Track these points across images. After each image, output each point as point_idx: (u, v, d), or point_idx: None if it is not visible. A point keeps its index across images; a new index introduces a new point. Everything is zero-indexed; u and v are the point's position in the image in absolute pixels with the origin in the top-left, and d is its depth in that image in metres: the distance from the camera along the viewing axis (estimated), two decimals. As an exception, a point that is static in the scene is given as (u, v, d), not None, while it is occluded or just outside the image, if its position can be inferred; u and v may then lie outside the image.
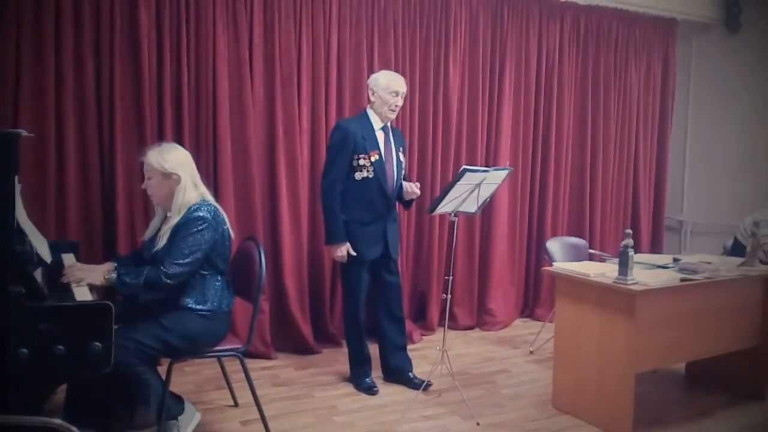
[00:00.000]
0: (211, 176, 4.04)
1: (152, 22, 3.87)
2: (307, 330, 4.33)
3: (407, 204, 3.81)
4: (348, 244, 3.57)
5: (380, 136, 3.63)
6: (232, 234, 2.95)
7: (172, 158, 2.83)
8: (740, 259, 3.73)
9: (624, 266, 3.15)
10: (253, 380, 3.05)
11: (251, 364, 3.72)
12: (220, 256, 2.86)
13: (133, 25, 3.82)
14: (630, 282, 3.12)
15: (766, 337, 3.70)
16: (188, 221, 2.74)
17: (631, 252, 3.15)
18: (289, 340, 4.32)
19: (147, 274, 2.65)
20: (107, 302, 2.27)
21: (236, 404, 3.43)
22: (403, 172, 3.71)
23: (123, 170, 3.82)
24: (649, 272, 3.35)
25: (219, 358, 3.20)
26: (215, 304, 2.84)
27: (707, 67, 6.15)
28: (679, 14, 5.76)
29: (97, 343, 2.21)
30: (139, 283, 2.64)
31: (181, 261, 2.69)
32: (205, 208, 2.79)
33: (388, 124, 3.68)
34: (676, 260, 3.64)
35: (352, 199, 3.58)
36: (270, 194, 4.28)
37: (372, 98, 3.64)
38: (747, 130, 5.85)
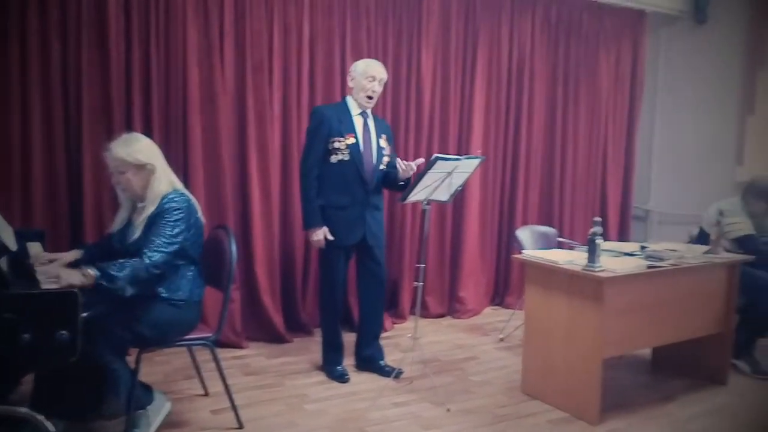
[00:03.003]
0: (181, 164, 3.99)
1: (120, 7, 3.80)
2: (278, 319, 4.32)
3: (401, 186, 3.65)
4: (325, 229, 3.55)
5: (358, 121, 3.61)
6: (204, 221, 2.93)
7: (143, 149, 2.79)
8: (705, 247, 3.81)
9: (592, 254, 3.19)
10: (224, 369, 3.04)
11: (222, 353, 3.70)
12: (193, 245, 2.83)
13: (101, 9, 3.75)
14: (598, 269, 3.17)
15: (729, 323, 3.80)
16: (163, 211, 2.71)
17: (599, 240, 3.19)
18: (260, 329, 4.30)
19: (132, 265, 2.56)
20: (73, 290, 2.24)
21: (206, 393, 3.41)
22: (385, 158, 3.67)
23: (90, 158, 3.75)
24: (616, 260, 3.41)
25: (189, 347, 3.18)
26: (187, 293, 2.81)
27: (675, 59, 6.25)
28: (648, 6, 5.83)
29: (64, 332, 2.17)
30: (124, 276, 2.52)
31: (165, 249, 2.65)
32: (179, 199, 2.76)
33: (368, 112, 3.66)
34: (643, 248, 3.71)
35: (329, 183, 3.56)
36: (241, 182, 4.25)
37: (351, 84, 3.63)
38: (712, 121, 5.96)
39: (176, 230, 2.70)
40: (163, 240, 2.66)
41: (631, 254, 3.58)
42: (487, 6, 5.14)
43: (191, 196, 2.87)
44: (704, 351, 3.83)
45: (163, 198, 2.74)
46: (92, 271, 2.47)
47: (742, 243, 3.96)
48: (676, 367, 3.97)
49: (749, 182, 4.19)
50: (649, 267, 3.35)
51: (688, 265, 3.49)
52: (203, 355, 3.38)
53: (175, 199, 2.75)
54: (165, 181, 2.79)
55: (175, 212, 2.71)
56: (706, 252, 3.72)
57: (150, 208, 2.73)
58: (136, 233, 2.73)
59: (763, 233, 4.16)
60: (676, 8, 5.94)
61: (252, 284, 4.26)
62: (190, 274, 2.84)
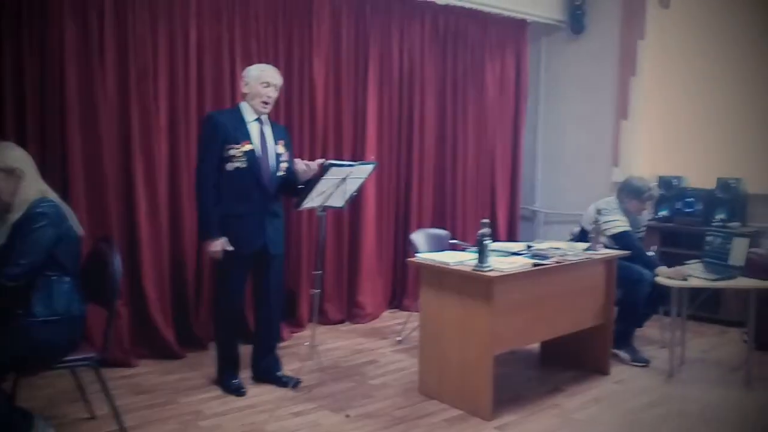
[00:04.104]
0: (59, 175, 3.78)
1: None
2: (169, 334, 4.17)
3: (302, 189, 3.54)
4: (224, 240, 3.45)
5: (253, 127, 3.53)
6: (80, 232, 2.80)
7: (11, 155, 2.69)
8: (585, 244, 4.03)
9: (481, 254, 3.30)
10: (113, 390, 2.92)
11: (110, 373, 3.54)
12: (67, 255, 2.70)
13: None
14: (487, 269, 3.28)
15: (609, 315, 4.04)
16: (27, 218, 2.60)
17: (487, 241, 3.31)
18: (150, 346, 4.13)
19: None
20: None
21: (93, 416, 3.23)
22: (283, 164, 3.60)
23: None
24: (504, 259, 3.54)
25: (72, 369, 3.00)
26: (64, 308, 2.66)
27: (556, 67, 6.60)
28: (529, 16, 6.12)
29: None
30: None
31: (21, 261, 2.54)
32: (45, 205, 2.65)
33: (264, 117, 3.59)
34: (529, 247, 3.88)
35: (227, 191, 3.46)
36: (125, 192, 4.07)
37: (245, 90, 3.55)
38: (591, 125, 6.33)
39: (36, 240, 2.59)
40: (21, 252, 2.55)
41: (518, 253, 3.73)
42: (376, 13, 5.21)
43: (62, 204, 2.76)
44: (588, 343, 4.05)
45: (30, 205, 2.63)
46: None
47: (618, 239, 4.22)
48: (563, 360, 4.17)
49: (623, 182, 4.48)
50: (535, 265, 3.50)
51: (570, 261, 3.68)
52: (89, 377, 3.20)
53: (42, 205, 2.64)
54: (34, 188, 2.69)
55: (38, 219, 2.61)
56: (586, 249, 3.94)
57: (15, 215, 2.62)
58: (1, 240, 2.59)
59: (637, 229, 4.46)
60: (554, 18, 6.27)
61: (140, 298, 4.09)
62: (66, 286, 2.70)
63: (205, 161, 3.46)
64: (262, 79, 3.51)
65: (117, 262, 2.80)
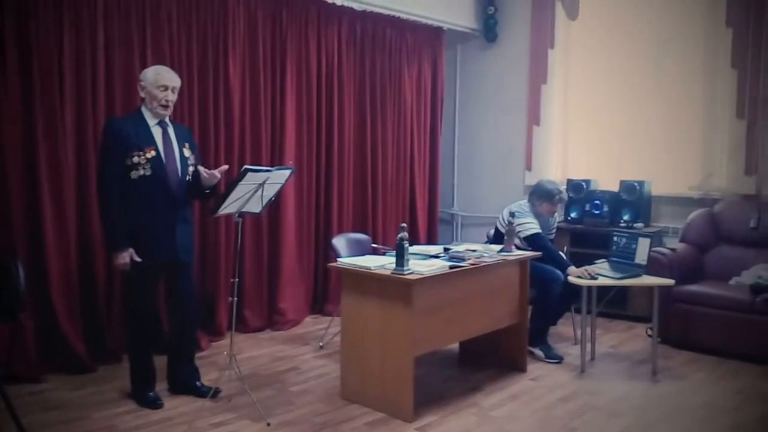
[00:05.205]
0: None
1: None
2: (80, 347, 3.98)
3: (209, 194, 3.58)
4: (131, 251, 3.34)
5: (157, 132, 3.44)
6: None
7: None
8: (500, 246, 4.15)
9: (400, 258, 3.35)
10: (19, 407, 2.78)
11: (15, 390, 3.35)
12: None
13: None
14: (406, 272, 3.32)
15: (524, 314, 4.17)
16: None
17: (406, 244, 3.36)
18: (60, 360, 3.93)
19: None
20: None
21: (-3, 436, 3.07)
22: (190, 168, 3.53)
23: None
24: (423, 262, 3.59)
25: (-29, 386, 2.84)
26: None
27: (470, 73, 6.77)
28: (445, 24, 6.25)
29: None
30: None
31: None
32: None
33: (167, 120, 3.51)
34: (446, 249, 3.95)
35: (132, 200, 3.35)
36: (29, 200, 3.87)
37: (142, 94, 3.46)
38: (505, 131, 6.53)
39: None
40: None
41: (436, 256, 3.80)
42: (293, 16, 5.19)
43: None
44: (504, 342, 4.17)
45: None
46: None
47: (531, 241, 4.36)
48: (481, 359, 4.27)
49: (535, 186, 4.64)
50: (452, 267, 3.57)
51: (485, 263, 3.78)
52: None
53: None
54: None
55: None
56: (501, 251, 4.06)
57: None
58: None
59: (549, 231, 4.63)
60: (468, 26, 6.44)
61: (47, 310, 3.88)
62: None
63: (107, 171, 3.34)
64: (158, 83, 3.42)
65: (20, 272, 2.66)
